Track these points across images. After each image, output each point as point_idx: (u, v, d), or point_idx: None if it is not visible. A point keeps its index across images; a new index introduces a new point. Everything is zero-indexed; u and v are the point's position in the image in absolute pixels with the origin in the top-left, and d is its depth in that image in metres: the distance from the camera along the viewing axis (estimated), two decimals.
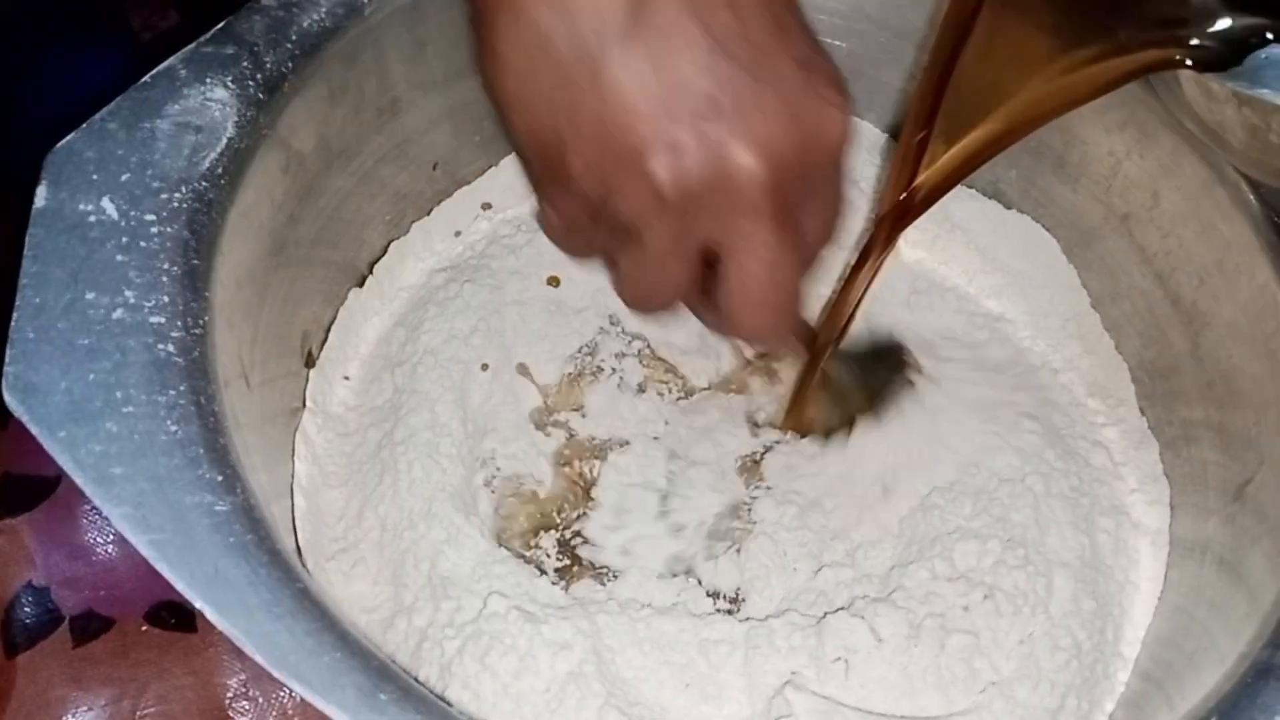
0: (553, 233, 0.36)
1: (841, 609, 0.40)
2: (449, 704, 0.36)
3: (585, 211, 0.33)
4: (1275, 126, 0.35)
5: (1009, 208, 0.49)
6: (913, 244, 0.48)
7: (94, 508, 0.49)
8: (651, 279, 0.33)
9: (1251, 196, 0.39)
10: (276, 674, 0.26)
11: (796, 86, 0.31)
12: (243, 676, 0.46)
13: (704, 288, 0.34)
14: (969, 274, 0.49)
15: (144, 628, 0.47)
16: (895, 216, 0.38)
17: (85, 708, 0.45)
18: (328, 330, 0.45)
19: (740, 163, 0.30)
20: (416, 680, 0.37)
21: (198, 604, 0.27)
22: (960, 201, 0.49)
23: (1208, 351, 0.42)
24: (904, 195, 0.38)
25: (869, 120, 0.49)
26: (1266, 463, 0.38)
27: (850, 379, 0.43)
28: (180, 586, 0.28)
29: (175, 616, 0.47)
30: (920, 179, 0.37)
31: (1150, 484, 0.44)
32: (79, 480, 0.29)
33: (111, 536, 0.49)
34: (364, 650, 0.28)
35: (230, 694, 0.46)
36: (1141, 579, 0.43)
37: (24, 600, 0.48)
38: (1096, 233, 0.46)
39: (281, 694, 0.46)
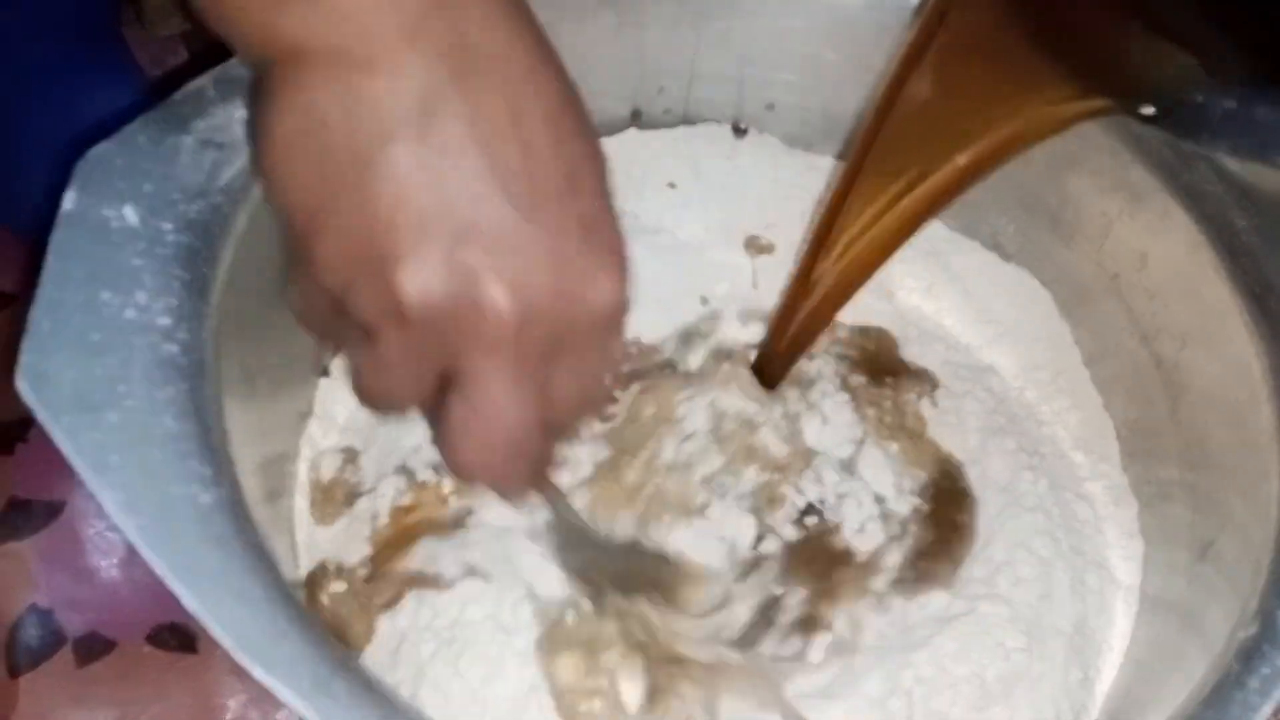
0: (295, 312, 0.34)
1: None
2: (419, 703, 0.38)
3: (326, 300, 0.31)
4: None
5: (1007, 260, 0.50)
6: (908, 290, 0.50)
7: (98, 532, 0.51)
8: (379, 381, 0.32)
9: (1232, 264, 0.40)
10: (237, 657, 0.28)
11: (571, 242, 0.30)
12: (242, 698, 0.48)
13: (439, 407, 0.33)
14: (963, 322, 0.50)
15: (146, 649, 0.49)
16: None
17: None
18: None
19: (489, 297, 0.29)
20: (392, 677, 0.39)
21: (174, 589, 0.29)
22: (960, 252, 0.50)
23: (1186, 414, 0.43)
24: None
25: None
26: (1230, 525, 0.39)
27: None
28: (159, 571, 0.29)
29: (177, 638, 0.49)
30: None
31: (1126, 541, 0.45)
32: (77, 465, 0.31)
33: (115, 560, 0.51)
34: (325, 642, 0.30)
35: (230, 715, 0.47)
36: (1114, 637, 0.44)
37: (28, 622, 0.49)
38: (1089, 291, 0.47)
39: (280, 715, 0.47)
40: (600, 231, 0.31)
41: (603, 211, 0.31)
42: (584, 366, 0.32)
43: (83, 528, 0.52)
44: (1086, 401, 0.48)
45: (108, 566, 0.51)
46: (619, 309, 0.31)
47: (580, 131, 0.31)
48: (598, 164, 0.31)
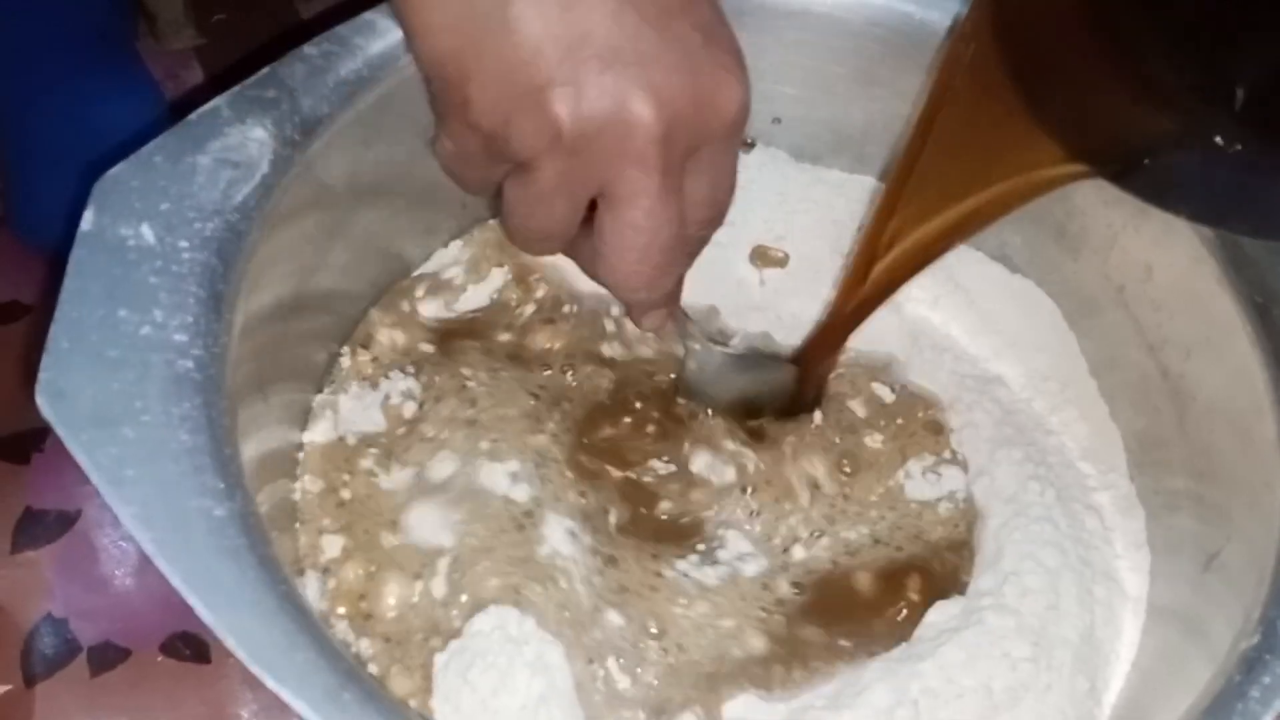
0: (446, 161, 0.36)
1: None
2: (429, 714, 0.38)
3: (480, 142, 0.34)
4: None
5: (1014, 272, 0.50)
6: (915, 301, 0.50)
7: (113, 541, 0.52)
8: (537, 214, 0.35)
9: (1235, 275, 0.40)
10: (251, 668, 0.29)
11: (698, 50, 0.32)
12: (254, 707, 0.48)
13: (587, 231, 0.36)
14: (970, 333, 0.50)
15: (159, 659, 0.49)
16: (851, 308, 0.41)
17: None
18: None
19: (636, 111, 0.31)
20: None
21: (189, 600, 0.30)
22: (966, 263, 0.50)
23: (1192, 424, 0.43)
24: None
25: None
26: (1236, 536, 0.39)
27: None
28: (175, 583, 0.30)
29: (190, 648, 0.49)
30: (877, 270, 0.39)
31: (1134, 551, 0.45)
32: (94, 480, 0.32)
33: (129, 569, 0.51)
34: (335, 653, 0.30)
35: None
36: (1122, 647, 0.44)
37: (43, 631, 0.50)
38: (1095, 302, 0.47)
39: None
40: (720, 37, 0.33)
41: (718, 17, 0.34)
42: (717, 172, 0.35)
43: (97, 537, 0.53)
44: (1093, 412, 0.48)
45: (122, 576, 0.52)
46: (745, 109, 0.34)
47: None
48: None
